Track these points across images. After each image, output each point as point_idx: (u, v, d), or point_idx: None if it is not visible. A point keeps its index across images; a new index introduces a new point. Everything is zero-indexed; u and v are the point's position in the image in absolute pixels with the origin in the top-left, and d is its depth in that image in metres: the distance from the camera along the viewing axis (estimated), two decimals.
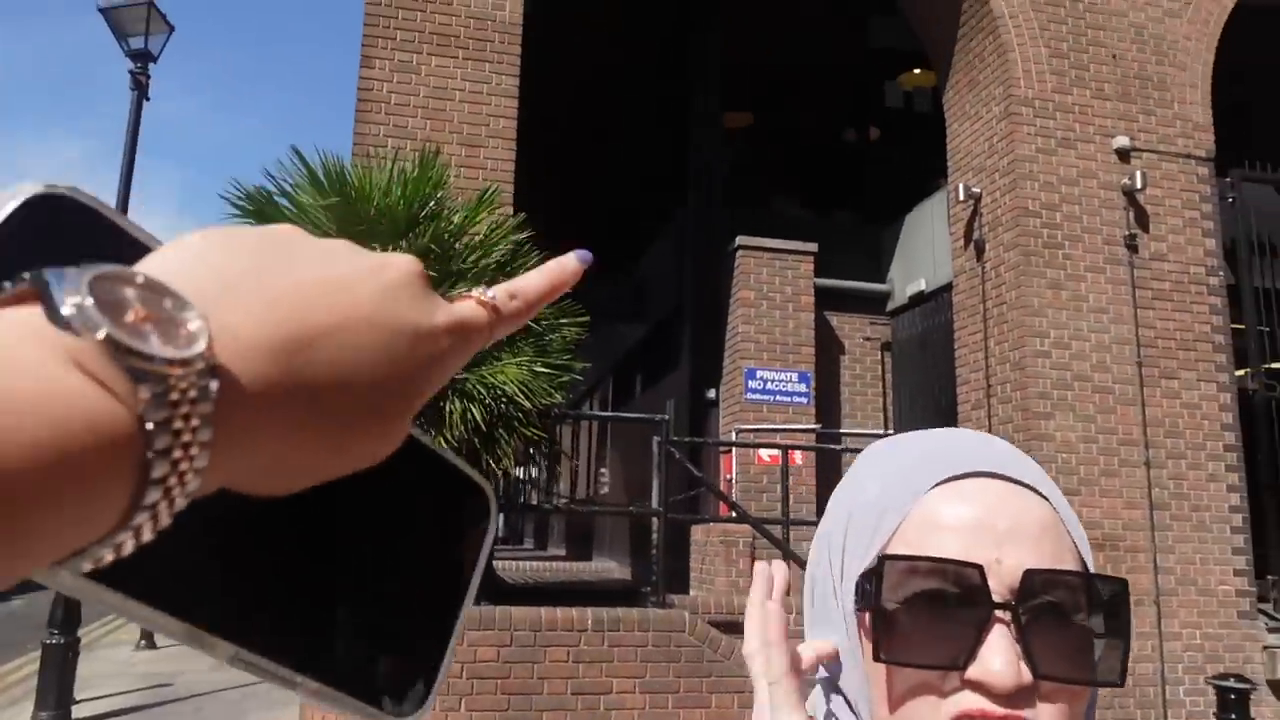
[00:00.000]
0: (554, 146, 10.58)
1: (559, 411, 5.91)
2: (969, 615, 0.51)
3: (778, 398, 8.36)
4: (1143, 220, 7.14)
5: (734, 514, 6.65)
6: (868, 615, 0.55)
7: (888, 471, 0.60)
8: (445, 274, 5.17)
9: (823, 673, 0.61)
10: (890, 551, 0.55)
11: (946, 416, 7.73)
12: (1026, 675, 0.50)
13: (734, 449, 7.96)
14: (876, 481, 0.60)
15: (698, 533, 7.60)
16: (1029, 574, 0.51)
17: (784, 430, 7.96)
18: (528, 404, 5.03)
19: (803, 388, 8.39)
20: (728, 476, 8.14)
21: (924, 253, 9.09)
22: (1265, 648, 6.50)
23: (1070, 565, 0.54)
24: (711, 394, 9.42)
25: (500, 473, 5.23)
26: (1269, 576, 6.77)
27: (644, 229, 12.85)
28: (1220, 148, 7.39)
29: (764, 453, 7.71)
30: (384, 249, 4.04)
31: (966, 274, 7.68)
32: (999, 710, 0.50)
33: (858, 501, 0.60)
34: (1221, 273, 7.20)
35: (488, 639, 4.62)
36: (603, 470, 14.97)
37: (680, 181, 11.20)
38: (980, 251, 7.44)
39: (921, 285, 8.96)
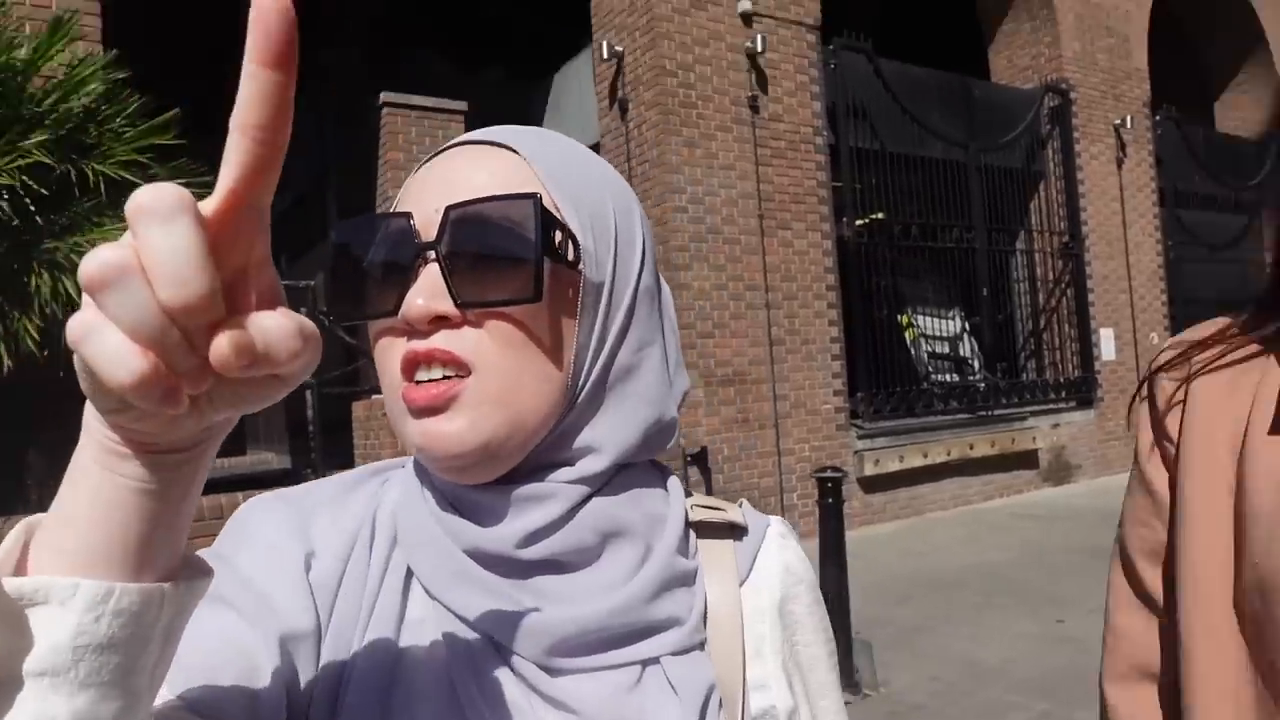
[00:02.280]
0: None
1: None
2: (402, 261, 0.52)
3: None
4: (763, 83, 7.77)
5: None
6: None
7: None
8: (14, 119, 4.23)
9: None
10: None
11: None
12: (445, 306, 0.51)
13: None
14: None
15: (359, 409, 7.32)
16: (449, 209, 0.52)
17: None
18: None
19: None
20: None
21: (574, 113, 9.17)
22: (855, 452, 7.86)
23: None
24: None
25: None
26: (858, 394, 8.09)
27: None
28: (823, 17, 8.20)
29: None
30: None
31: (612, 133, 7.90)
32: (423, 346, 0.51)
33: None
34: (825, 133, 8.12)
35: None
36: None
37: (313, 26, 10.15)
38: (624, 111, 7.67)
39: None
